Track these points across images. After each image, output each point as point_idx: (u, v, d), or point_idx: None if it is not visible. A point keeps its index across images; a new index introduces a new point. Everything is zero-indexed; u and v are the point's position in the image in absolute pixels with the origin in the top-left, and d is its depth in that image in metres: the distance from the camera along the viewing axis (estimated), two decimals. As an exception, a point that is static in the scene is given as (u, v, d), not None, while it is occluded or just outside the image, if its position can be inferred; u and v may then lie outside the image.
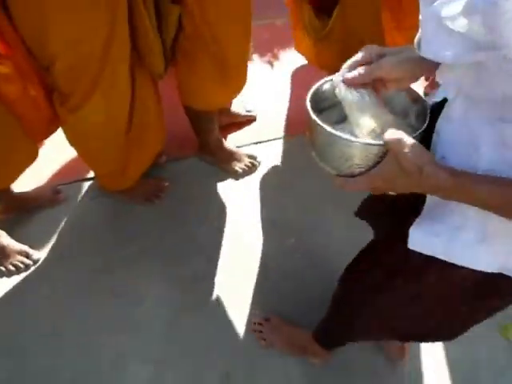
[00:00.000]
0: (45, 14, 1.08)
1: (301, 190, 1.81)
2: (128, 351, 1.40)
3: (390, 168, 0.61)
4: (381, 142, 0.61)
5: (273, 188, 1.83)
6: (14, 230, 1.61)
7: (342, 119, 0.71)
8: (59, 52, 1.16)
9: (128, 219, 1.70)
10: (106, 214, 1.72)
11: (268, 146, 1.98)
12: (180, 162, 1.90)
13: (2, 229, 1.58)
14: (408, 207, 0.75)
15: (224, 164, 1.86)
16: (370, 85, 0.66)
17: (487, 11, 0.45)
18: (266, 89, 2.23)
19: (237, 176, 1.85)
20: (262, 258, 1.61)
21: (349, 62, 0.67)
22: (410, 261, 0.79)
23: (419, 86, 2.03)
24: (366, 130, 0.67)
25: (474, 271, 0.68)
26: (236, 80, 1.59)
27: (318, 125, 0.65)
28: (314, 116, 0.66)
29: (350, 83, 0.65)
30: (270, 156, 1.93)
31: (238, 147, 1.93)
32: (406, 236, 0.73)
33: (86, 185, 1.81)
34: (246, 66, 1.58)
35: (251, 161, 1.88)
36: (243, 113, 2.06)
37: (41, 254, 1.58)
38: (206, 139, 1.82)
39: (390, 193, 0.69)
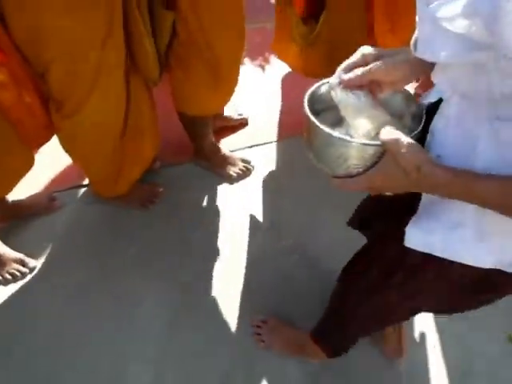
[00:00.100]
0: (41, 17, 1.07)
1: (296, 191, 1.82)
2: (128, 351, 1.39)
3: (388, 168, 0.61)
4: (378, 142, 0.61)
5: (268, 191, 1.84)
6: (10, 239, 1.61)
7: (337, 121, 0.72)
8: (55, 57, 1.16)
9: (124, 224, 1.70)
10: (102, 219, 1.72)
11: (261, 150, 1.99)
12: (174, 167, 1.90)
13: (-2, 237, 1.57)
14: (403, 208, 0.75)
15: (218, 168, 1.87)
16: (366, 87, 0.67)
17: (489, 13, 0.45)
18: (258, 92, 2.24)
19: (231, 180, 1.86)
20: (258, 260, 1.61)
21: (345, 63, 0.67)
22: (407, 259, 0.79)
23: (410, 88, 2.05)
24: (361, 131, 0.67)
25: (471, 268, 0.68)
26: (228, 83, 1.59)
27: (316, 126, 0.65)
28: (312, 117, 0.67)
29: (346, 85, 0.66)
30: (264, 159, 1.94)
31: (231, 151, 1.93)
32: (401, 235, 0.72)
33: (82, 191, 1.81)
34: (239, 69, 1.59)
35: (245, 165, 1.88)
36: (235, 116, 2.07)
37: (37, 262, 1.57)
38: (200, 144, 1.83)
39: (387, 193, 0.70)
